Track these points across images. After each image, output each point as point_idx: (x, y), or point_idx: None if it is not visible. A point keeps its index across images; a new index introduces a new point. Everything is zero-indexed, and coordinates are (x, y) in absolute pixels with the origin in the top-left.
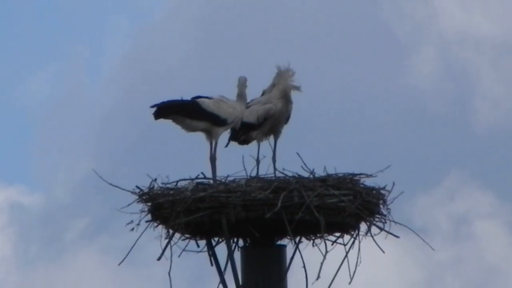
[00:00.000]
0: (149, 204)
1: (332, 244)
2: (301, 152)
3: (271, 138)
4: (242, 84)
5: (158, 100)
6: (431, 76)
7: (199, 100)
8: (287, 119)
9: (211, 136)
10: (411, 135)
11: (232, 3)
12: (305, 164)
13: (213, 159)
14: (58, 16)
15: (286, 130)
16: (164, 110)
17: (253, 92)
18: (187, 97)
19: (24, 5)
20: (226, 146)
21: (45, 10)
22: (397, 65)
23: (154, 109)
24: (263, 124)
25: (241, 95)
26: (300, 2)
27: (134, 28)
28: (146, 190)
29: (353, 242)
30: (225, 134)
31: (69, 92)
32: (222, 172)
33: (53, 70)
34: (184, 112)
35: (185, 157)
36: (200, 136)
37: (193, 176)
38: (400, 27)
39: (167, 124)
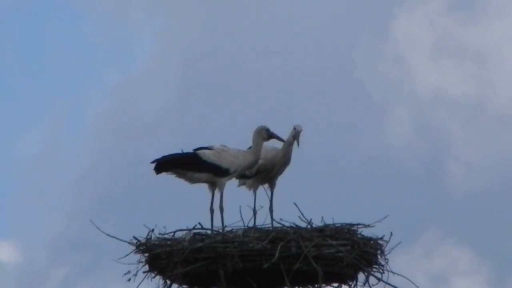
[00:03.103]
0: (147, 254)
1: None
2: (299, 202)
3: (268, 188)
4: (254, 133)
5: (139, 155)
6: (405, 135)
7: (199, 151)
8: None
9: (215, 186)
10: (390, 191)
11: (211, 58)
12: (302, 214)
13: (221, 209)
14: (37, 74)
15: (283, 180)
16: (164, 164)
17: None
18: (172, 150)
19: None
20: None
21: (24, 69)
22: (371, 124)
23: (154, 164)
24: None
25: (255, 144)
26: (276, 60)
27: (113, 83)
28: (143, 241)
29: None
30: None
31: (49, 148)
32: (220, 222)
33: (33, 126)
34: (184, 165)
35: (179, 208)
36: (195, 187)
37: (190, 227)
38: (375, 86)
39: (154, 176)
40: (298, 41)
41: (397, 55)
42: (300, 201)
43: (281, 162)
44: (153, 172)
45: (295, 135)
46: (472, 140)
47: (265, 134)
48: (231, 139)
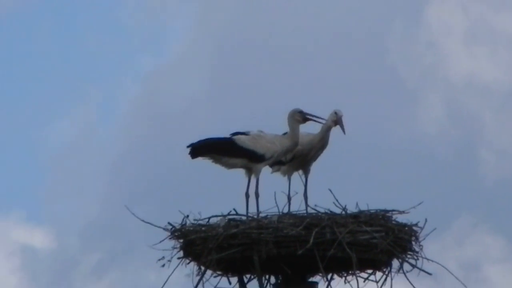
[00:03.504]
0: (181, 240)
1: (364, 281)
2: (333, 188)
3: (302, 174)
4: (289, 118)
5: (173, 142)
6: (438, 121)
7: (235, 137)
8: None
9: (251, 172)
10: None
11: (244, 44)
12: (337, 201)
13: (256, 195)
14: (71, 61)
15: (317, 167)
16: (199, 149)
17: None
18: (205, 136)
19: (32, 55)
20: None
21: (57, 56)
22: (404, 110)
23: (190, 148)
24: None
25: (291, 128)
26: (309, 46)
27: (146, 70)
28: (178, 227)
29: (385, 279)
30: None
31: (82, 134)
32: (255, 208)
33: (66, 113)
34: (219, 150)
35: (213, 194)
36: (230, 173)
37: (225, 213)
38: (408, 72)
39: (189, 162)
40: (331, 27)
41: (430, 41)
42: (334, 187)
43: (319, 146)
44: (189, 157)
45: (337, 120)
46: (504, 126)
47: (299, 116)
48: (263, 126)
